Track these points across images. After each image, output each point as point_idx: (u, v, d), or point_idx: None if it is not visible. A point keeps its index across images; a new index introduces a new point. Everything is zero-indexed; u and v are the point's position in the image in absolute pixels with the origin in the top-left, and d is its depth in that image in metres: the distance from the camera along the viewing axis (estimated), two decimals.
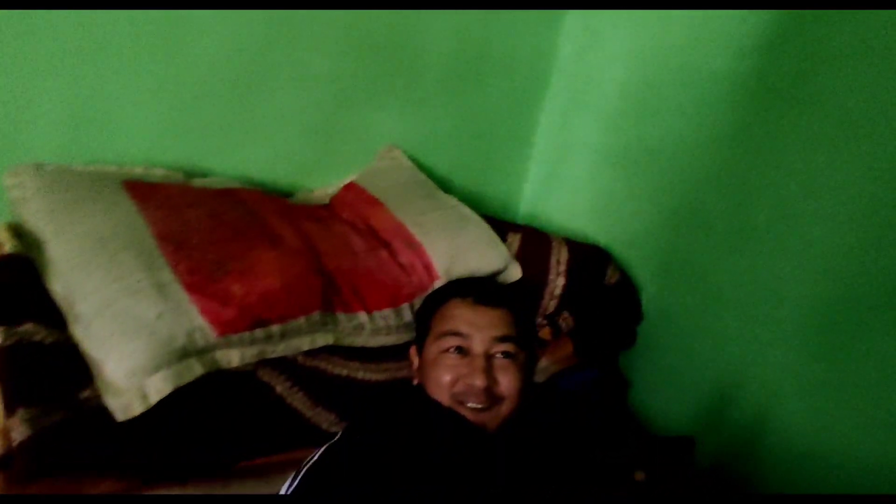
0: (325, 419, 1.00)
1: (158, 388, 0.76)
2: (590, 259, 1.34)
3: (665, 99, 1.29)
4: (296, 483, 0.86)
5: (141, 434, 0.77)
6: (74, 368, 0.76)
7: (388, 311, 1.11)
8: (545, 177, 1.62)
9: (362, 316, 1.07)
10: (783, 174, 1.09)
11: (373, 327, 1.08)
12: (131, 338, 0.77)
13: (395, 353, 1.11)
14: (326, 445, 0.90)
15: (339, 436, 0.94)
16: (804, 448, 1.10)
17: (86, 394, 0.75)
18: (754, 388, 1.17)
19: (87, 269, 0.81)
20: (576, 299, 1.30)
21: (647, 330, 1.39)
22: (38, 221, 0.87)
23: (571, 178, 1.55)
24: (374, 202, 1.25)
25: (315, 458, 0.88)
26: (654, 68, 1.32)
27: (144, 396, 0.76)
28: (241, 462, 0.89)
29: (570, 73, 1.52)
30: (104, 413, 0.75)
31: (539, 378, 1.23)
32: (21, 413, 0.68)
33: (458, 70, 1.41)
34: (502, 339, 1.00)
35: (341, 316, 1.04)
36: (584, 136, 1.50)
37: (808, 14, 1.02)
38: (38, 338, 0.75)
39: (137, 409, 0.75)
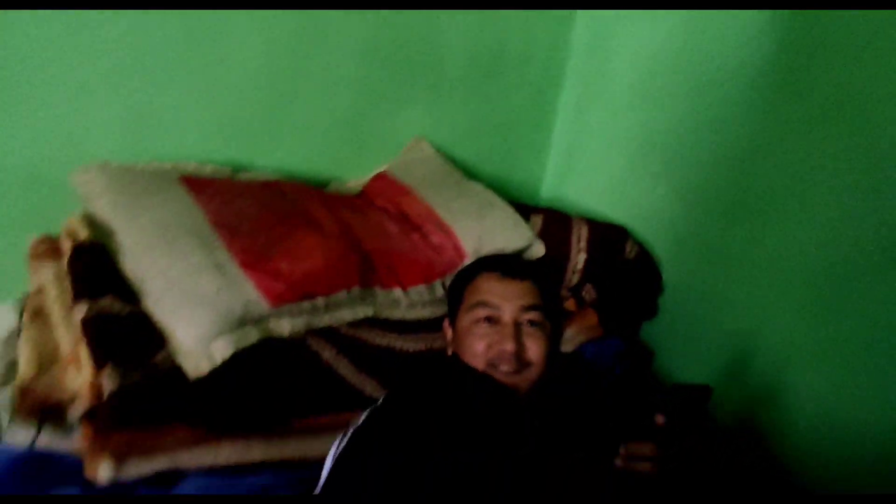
0: (368, 385, 1.08)
1: (222, 350, 0.86)
2: (609, 235, 1.41)
3: (669, 88, 1.37)
4: (344, 442, 0.93)
5: (208, 391, 0.86)
6: (148, 336, 0.86)
7: (422, 287, 1.20)
8: (564, 163, 1.69)
9: (398, 292, 1.16)
10: (782, 151, 1.15)
11: (408, 302, 1.17)
12: (196, 309, 0.87)
13: (430, 326, 1.20)
14: (370, 409, 0.98)
15: (381, 400, 1.02)
16: (815, 407, 1.14)
17: (159, 357, 0.85)
18: (766, 351, 1.22)
19: (153, 253, 0.92)
20: (598, 273, 1.37)
21: (667, 301, 1.45)
22: (108, 213, 0.98)
23: (588, 163, 1.62)
24: (404, 190, 1.34)
25: (361, 421, 0.96)
26: (659, 61, 1.39)
27: (211, 357, 0.85)
28: (294, 421, 0.98)
29: (583, 66, 1.60)
30: (175, 374, 0.84)
31: (566, 347, 1.30)
32: (110, 369, 0.78)
33: (478, 66, 1.50)
34: (529, 308, 1.07)
35: (378, 291, 1.13)
36: (597, 125, 1.58)
37: (800, 14, 1.08)
38: (116, 309, 0.85)
39: (205, 368, 0.84)
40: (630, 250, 1.43)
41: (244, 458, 0.93)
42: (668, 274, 1.44)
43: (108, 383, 0.76)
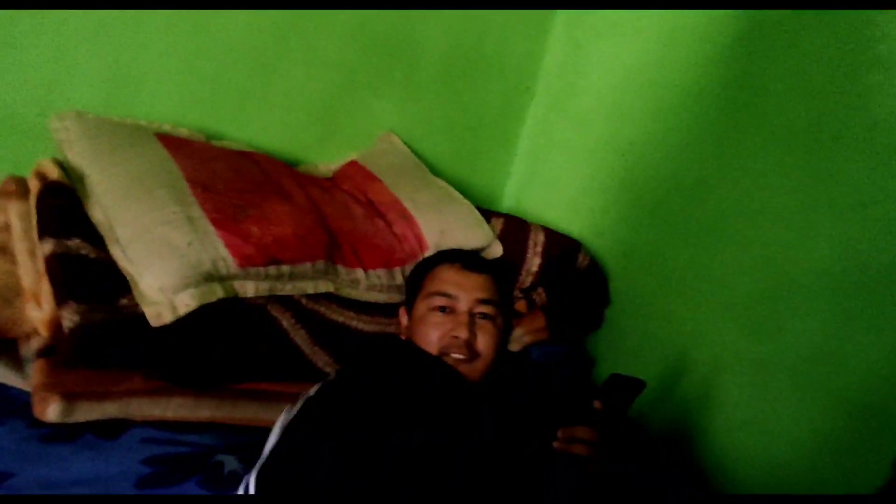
0: (321, 359, 1.12)
1: (186, 302, 0.89)
2: (564, 244, 1.50)
3: (634, 105, 1.47)
4: (294, 411, 0.96)
5: (166, 342, 0.88)
6: (114, 280, 0.88)
7: (381, 272, 1.25)
8: (527, 171, 1.78)
9: (359, 272, 1.21)
10: (734, 174, 1.26)
11: (368, 283, 1.21)
12: (165, 259, 0.89)
13: (386, 310, 1.25)
14: (323, 382, 1.01)
15: (335, 374, 1.06)
16: (744, 417, 1.24)
17: (124, 301, 0.86)
18: (701, 364, 1.33)
19: (127, 201, 0.94)
20: (550, 279, 1.44)
21: (613, 313, 1.54)
22: (82, 160, 0.99)
23: (551, 174, 1.71)
24: (373, 178, 1.39)
25: (312, 392, 0.99)
26: (626, 78, 1.50)
27: (174, 308, 0.88)
28: (246, 384, 1.01)
29: (554, 77, 1.69)
30: (136, 321, 0.86)
31: (513, 347, 1.36)
32: (71, 305, 0.79)
33: (453, 67, 1.57)
34: (484, 302, 1.14)
35: (341, 269, 1.17)
36: (563, 136, 1.67)
37: (761, 38, 1.20)
38: (83, 252, 0.87)
39: (168, 318, 0.87)
40: (582, 261, 1.52)
41: (193, 415, 0.96)
42: (616, 287, 1.53)
43: (69, 320, 0.78)
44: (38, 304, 0.82)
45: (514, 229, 1.47)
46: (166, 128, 1.16)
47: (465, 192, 1.52)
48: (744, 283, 1.24)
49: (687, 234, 1.35)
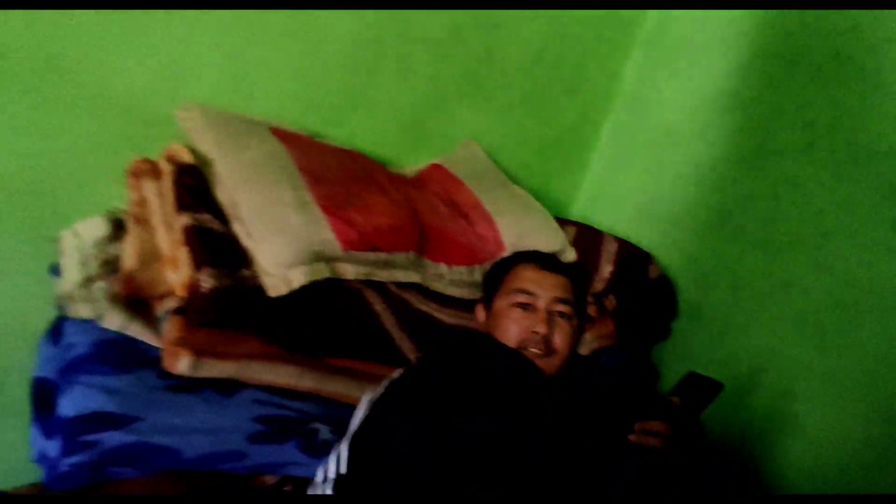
0: (405, 345, 1.20)
1: (298, 278, 0.99)
2: (636, 254, 1.56)
3: (710, 126, 1.54)
4: (380, 392, 1.04)
5: (280, 311, 0.98)
6: (237, 253, 0.98)
7: (463, 268, 1.33)
8: (597, 186, 1.85)
9: (443, 267, 1.29)
10: (808, 193, 1.31)
11: (450, 278, 1.30)
12: (281, 237, 1.00)
13: (464, 305, 1.33)
14: (406, 367, 1.09)
15: (417, 361, 1.13)
16: (813, 429, 1.27)
17: (246, 272, 0.97)
18: (771, 376, 1.36)
19: (248, 184, 1.05)
20: (621, 287, 1.50)
21: (680, 327, 1.58)
22: (207, 147, 1.11)
23: (622, 188, 1.78)
24: (456, 181, 1.48)
25: (396, 375, 1.07)
26: (703, 99, 1.58)
27: (289, 282, 0.98)
28: (341, 359, 1.10)
29: (630, 97, 1.77)
30: (256, 290, 0.96)
31: (583, 350, 1.42)
32: (207, 270, 0.90)
33: (534, 84, 1.67)
34: (562, 301, 1.20)
35: (428, 262, 1.26)
36: (636, 153, 1.75)
37: (838, 64, 1.25)
38: (212, 226, 0.98)
39: (283, 290, 0.97)
40: (653, 272, 1.57)
41: (297, 383, 1.05)
42: (685, 300, 1.57)
43: (205, 282, 0.88)
44: (175, 267, 0.93)
45: (588, 237, 1.54)
46: (274, 124, 1.28)
47: (537, 201, 1.60)
48: (815, 297, 1.28)
49: (759, 250, 1.40)
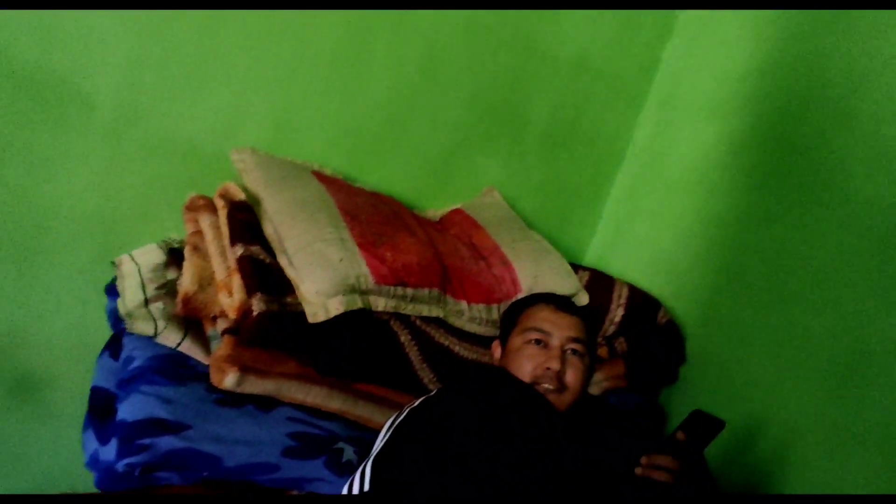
0: (426, 375, 1.32)
1: (335, 307, 1.12)
2: (646, 300, 1.68)
3: (720, 180, 1.68)
4: (400, 419, 1.15)
5: (318, 336, 1.11)
6: (282, 282, 1.12)
7: (482, 306, 1.45)
8: (611, 234, 1.98)
9: (463, 304, 1.41)
10: (817, 245, 1.42)
11: (469, 315, 1.42)
12: (322, 269, 1.13)
13: (482, 341, 1.45)
14: (425, 397, 1.20)
15: (436, 392, 1.24)
16: (818, 482, 1.34)
17: (289, 300, 1.10)
18: (778, 426, 1.44)
19: (293, 221, 1.19)
20: (631, 330, 1.61)
21: (688, 372, 1.68)
22: (256, 186, 1.26)
23: (634, 237, 1.91)
24: (477, 225, 1.62)
25: (416, 404, 1.18)
26: (713, 155, 1.71)
27: (327, 310, 1.10)
28: (366, 384, 1.21)
29: (643, 150, 1.93)
30: (300, 316, 1.09)
31: (593, 390, 1.52)
32: (259, 296, 1.03)
33: (552, 136, 1.84)
34: (575, 340, 1.31)
35: (450, 299, 1.38)
36: (648, 204, 1.88)
37: (842, 123, 1.38)
38: (261, 257, 1.12)
39: (321, 317, 1.09)
40: (662, 318, 1.68)
41: (325, 404, 1.17)
42: (693, 348, 1.68)
43: (257, 307, 1.01)
44: (229, 292, 1.06)
45: (600, 282, 1.66)
46: (315, 167, 1.43)
47: (554, 246, 1.73)
48: (824, 349, 1.36)
49: (769, 301, 1.50)
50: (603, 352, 1.61)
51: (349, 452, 1.18)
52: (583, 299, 1.60)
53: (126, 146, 1.31)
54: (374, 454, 1.10)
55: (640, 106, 1.92)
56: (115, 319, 1.18)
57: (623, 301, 1.63)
